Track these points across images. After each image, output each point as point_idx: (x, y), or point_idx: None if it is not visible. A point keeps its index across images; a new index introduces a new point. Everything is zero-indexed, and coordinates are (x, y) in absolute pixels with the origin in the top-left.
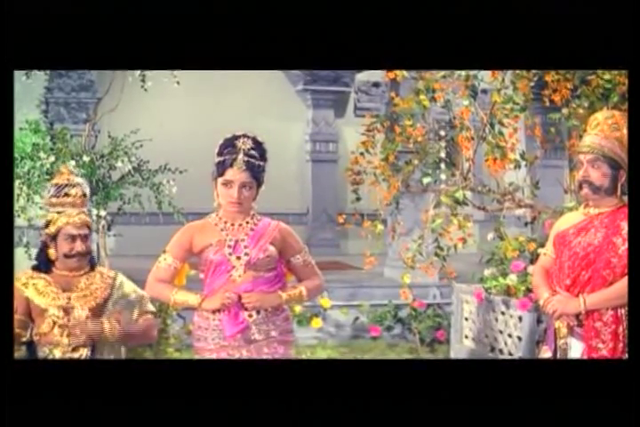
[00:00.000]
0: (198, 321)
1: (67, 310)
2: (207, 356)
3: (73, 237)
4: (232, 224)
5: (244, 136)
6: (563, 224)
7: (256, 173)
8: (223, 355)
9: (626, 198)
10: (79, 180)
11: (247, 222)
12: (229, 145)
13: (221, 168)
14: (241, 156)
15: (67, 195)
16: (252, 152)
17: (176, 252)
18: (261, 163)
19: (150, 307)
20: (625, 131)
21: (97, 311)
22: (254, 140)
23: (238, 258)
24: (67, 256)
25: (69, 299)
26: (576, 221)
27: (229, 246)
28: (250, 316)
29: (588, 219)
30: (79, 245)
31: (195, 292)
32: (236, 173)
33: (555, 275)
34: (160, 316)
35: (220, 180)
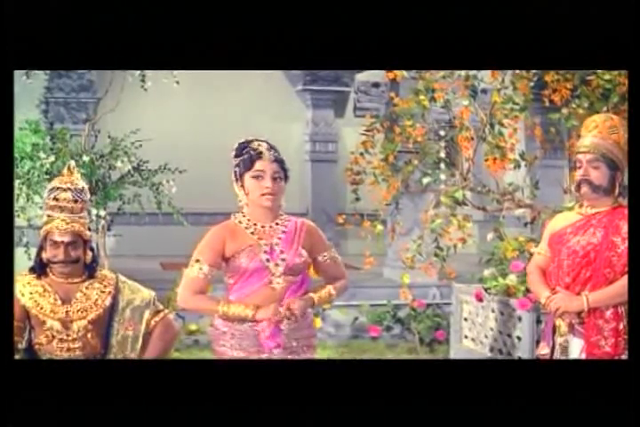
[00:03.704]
0: (221, 325)
1: (65, 324)
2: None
3: (56, 244)
4: (262, 226)
5: (257, 140)
6: (558, 224)
7: (283, 166)
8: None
9: (621, 199)
10: (78, 184)
11: (277, 224)
12: (245, 146)
13: (249, 162)
14: (266, 151)
15: (55, 199)
16: (273, 151)
17: (212, 259)
18: (284, 158)
19: (159, 305)
20: (622, 133)
21: (99, 322)
22: (267, 143)
23: (277, 265)
24: (51, 262)
25: (68, 313)
26: (572, 220)
27: (266, 252)
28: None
29: (585, 218)
30: (62, 253)
31: (245, 304)
32: (266, 164)
33: (553, 273)
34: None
35: (249, 173)
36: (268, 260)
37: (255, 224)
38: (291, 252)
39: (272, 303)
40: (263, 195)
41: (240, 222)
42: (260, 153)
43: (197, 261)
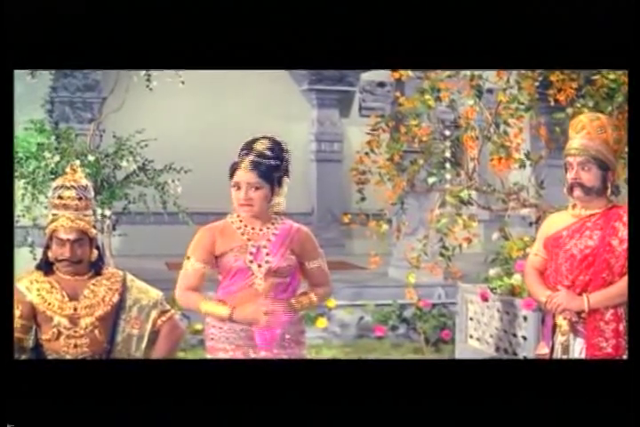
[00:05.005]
0: (212, 320)
1: (73, 320)
2: (220, 355)
3: (62, 242)
4: (253, 228)
5: (263, 137)
6: (552, 226)
7: (264, 173)
8: (238, 354)
9: (614, 198)
10: (81, 182)
11: (268, 228)
12: (246, 148)
13: (231, 171)
14: (250, 157)
15: (59, 197)
16: (266, 152)
17: (201, 255)
18: (273, 162)
19: (166, 306)
20: (610, 132)
21: (106, 319)
22: (272, 140)
23: (259, 266)
24: (57, 261)
25: (75, 309)
26: (567, 223)
27: (251, 253)
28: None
29: (580, 221)
30: (67, 251)
31: (224, 302)
32: (242, 175)
33: (551, 277)
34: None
35: (231, 182)
36: (251, 261)
37: (246, 226)
38: (277, 256)
39: (252, 303)
40: (240, 205)
41: (232, 223)
42: (242, 161)
43: (188, 258)
